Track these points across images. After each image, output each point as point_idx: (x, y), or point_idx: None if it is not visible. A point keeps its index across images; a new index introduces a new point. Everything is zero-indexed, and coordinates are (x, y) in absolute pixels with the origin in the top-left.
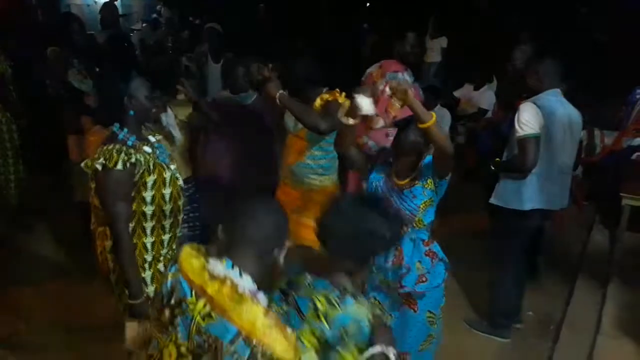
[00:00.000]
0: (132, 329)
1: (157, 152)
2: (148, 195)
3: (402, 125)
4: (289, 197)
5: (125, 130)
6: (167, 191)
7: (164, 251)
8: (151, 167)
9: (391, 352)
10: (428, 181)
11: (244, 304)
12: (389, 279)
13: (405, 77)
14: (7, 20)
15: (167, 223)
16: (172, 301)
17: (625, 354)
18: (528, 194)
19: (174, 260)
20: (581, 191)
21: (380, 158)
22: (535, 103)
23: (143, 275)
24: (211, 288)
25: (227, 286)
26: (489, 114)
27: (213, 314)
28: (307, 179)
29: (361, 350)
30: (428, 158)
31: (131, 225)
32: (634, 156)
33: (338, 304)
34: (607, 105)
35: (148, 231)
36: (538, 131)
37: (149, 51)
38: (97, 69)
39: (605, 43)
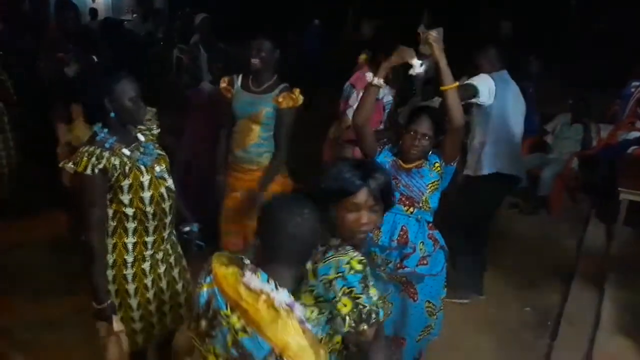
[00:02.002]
0: (103, 330)
1: (139, 154)
2: (125, 198)
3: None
4: (241, 182)
5: (106, 130)
6: (146, 194)
7: (147, 252)
8: (126, 170)
9: None
10: (435, 164)
11: (279, 320)
12: (392, 259)
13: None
14: None
15: (150, 225)
16: (209, 313)
17: (625, 349)
18: (486, 160)
19: (207, 270)
20: (577, 184)
21: (386, 142)
22: (485, 75)
23: (125, 272)
24: (246, 302)
25: (262, 301)
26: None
27: (248, 329)
28: (259, 159)
29: (352, 298)
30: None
31: (113, 224)
32: (630, 150)
33: (320, 259)
34: (603, 99)
35: (130, 232)
36: (491, 100)
37: (140, 42)
38: (88, 58)
39: (602, 36)
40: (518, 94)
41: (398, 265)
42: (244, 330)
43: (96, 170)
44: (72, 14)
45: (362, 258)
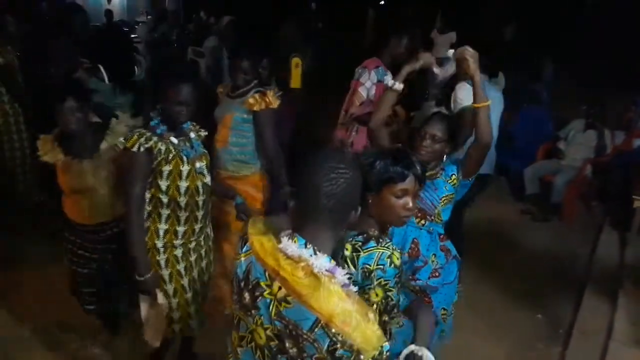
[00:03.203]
0: (144, 305)
1: (186, 146)
2: (163, 184)
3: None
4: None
5: (159, 119)
6: (182, 184)
7: (177, 241)
8: (169, 157)
9: (425, 352)
10: (452, 177)
11: (321, 288)
12: (404, 272)
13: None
14: (12, 10)
15: (182, 215)
16: (250, 284)
17: None
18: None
19: (244, 239)
20: (590, 192)
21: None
22: (467, 83)
23: (157, 258)
24: (284, 270)
25: (301, 267)
26: None
27: (289, 299)
28: (230, 166)
29: (385, 290)
30: (454, 155)
31: (149, 208)
32: None
33: (361, 248)
34: (617, 106)
35: (163, 218)
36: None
37: (154, 44)
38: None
39: (615, 43)
40: (494, 97)
41: (410, 277)
42: (286, 300)
43: (142, 149)
44: (82, 18)
45: (401, 254)
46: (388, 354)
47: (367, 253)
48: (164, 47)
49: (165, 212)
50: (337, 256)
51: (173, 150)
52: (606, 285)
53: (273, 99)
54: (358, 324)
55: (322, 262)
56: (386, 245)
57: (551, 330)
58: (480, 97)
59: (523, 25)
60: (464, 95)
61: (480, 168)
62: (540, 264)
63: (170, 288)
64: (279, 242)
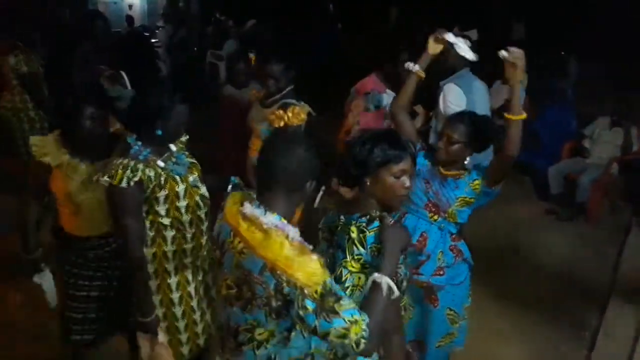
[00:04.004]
0: (146, 344)
1: (173, 164)
2: (162, 208)
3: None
4: None
5: (140, 143)
6: (182, 203)
7: (187, 260)
8: (162, 181)
9: (384, 280)
10: (474, 182)
11: (269, 239)
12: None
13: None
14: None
15: (188, 233)
16: (219, 242)
17: None
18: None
19: (222, 207)
20: (616, 191)
21: (421, 147)
22: (455, 83)
23: (168, 280)
24: (242, 227)
25: (254, 224)
26: None
27: (245, 251)
28: None
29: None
30: (483, 160)
31: (151, 234)
32: None
33: (366, 228)
34: None
35: (169, 240)
36: (463, 107)
37: (174, 48)
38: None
39: None
40: (481, 90)
41: (413, 271)
42: (243, 252)
43: (132, 183)
44: (102, 24)
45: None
46: (334, 287)
47: (372, 232)
48: (183, 51)
49: (169, 233)
50: (292, 216)
51: (163, 173)
52: (633, 287)
53: (293, 117)
54: (300, 265)
55: (271, 219)
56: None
57: (576, 333)
58: (516, 109)
59: (546, 22)
60: (454, 99)
61: (504, 177)
62: (565, 264)
63: (179, 310)
64: (242, 205)
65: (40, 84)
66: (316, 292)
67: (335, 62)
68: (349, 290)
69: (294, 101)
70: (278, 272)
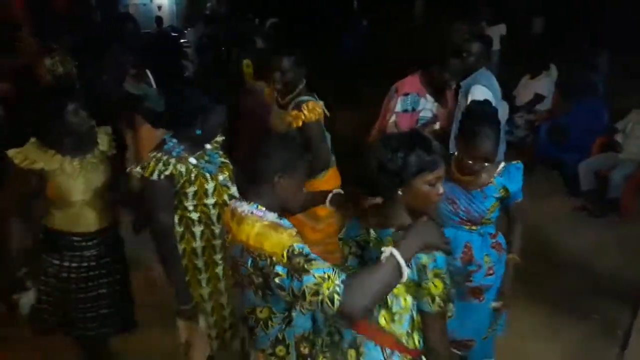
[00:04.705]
0: (184, 329)
1: (205, 162)
2: (190, 204)
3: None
4: None
5: (175, 140)
6: (210, 201)
7: (217, 256)
8: (192, 178)
9: (394, 254)
10: (503, 188)
11: (244, 223)
12: (457, 275)
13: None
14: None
15: (216, 229)
16: (222, 244)
17: None
18: None
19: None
20: None
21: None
22: (480, 84)
23: (199, 277)
24: (227, 218)
25: (233, 214)
26: (546, 103)
27: (232, 240)
28: None
29: (442, 279)
30: (513, 166)
31: (180, 229)
32: None
33: None
34: None
35: (197, 235)
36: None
37: (202, 48)
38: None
39: None
40: (498, 88)
41: (465, 281)
42: (232, 241)
43: (162, 176)
44: (132, 27)
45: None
46: (305, 250)
47: None
48: (212, 51)
49: (198, 229)
50: (272, 204)
51: (194, 170)
52: None
53: (309, 113)
54: (266, 237)
55: (246, 207)
56: None
57: (608, 331)
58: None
59: (577, 14)
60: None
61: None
62: (597, 262)
63: (208, 306)
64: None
65: (74, 84)
66: (283, 256)
67: (362, 59)
68: (397, 315)
69: (307, 97)
70: (251, 249)
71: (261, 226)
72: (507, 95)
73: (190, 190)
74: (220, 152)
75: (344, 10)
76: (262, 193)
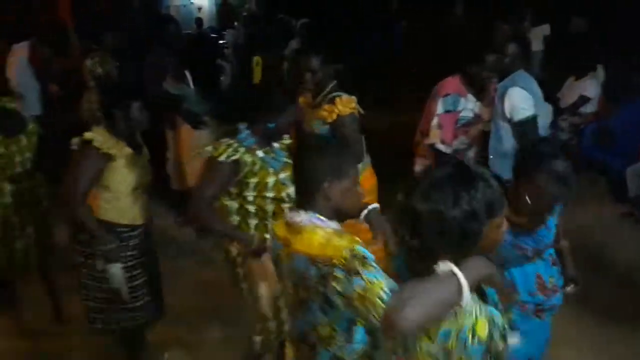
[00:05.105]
0: (257, 267)
1: (271, 157)
2: (249, 194)
3: None
4: None
5: (248, 132)
6: (269, 194)
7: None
8: (256, 169)
9: (459, 273)
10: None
11: (304, 233)
12: (536, 304)
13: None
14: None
15: (270, 223)
16: (275, 256)
17: None
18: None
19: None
20: None
21: None
22: (518, 86)
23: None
24: (284, 232)
25: (293, 226)
26: (592, 105)
27: (292, 254)
28: None
29: (504, 337)
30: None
31: (237, 218)
32: None
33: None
34: None
35: (252, 228)
36: (532, 110)
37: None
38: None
39: None
40: (538, 90)
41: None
42: (290, 257)
43: (229, 160)
44: (174, 28)
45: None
46: (367, 254)
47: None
48: (249, 52)
49: (253, 221)
50: (326, 211)
51: (259, 162)
52: None
53: (343, 106)
54: (328, 243)
55: (304, 216)
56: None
57: None
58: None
59: (625, 15)
60: (522, 102)
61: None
62: None
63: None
64: (285, 215)
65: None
66: (343, 257)
67: (400, 61)
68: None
69: (339, 93)
70: (314, 258)
71: (323, 233)
72: (552, 97)
73: (252, 181)
74: (286, 154)
75: (383, 11)
76: (316, 202)
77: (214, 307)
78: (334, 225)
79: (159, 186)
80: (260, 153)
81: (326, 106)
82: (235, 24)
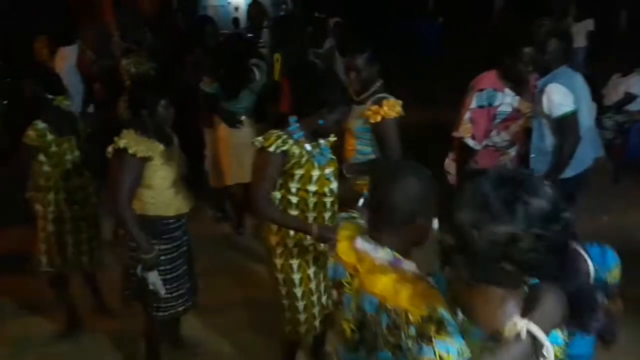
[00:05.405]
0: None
1: (317, 152)
2: (293, 186)
3: None
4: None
5: (298, 125)
6: (311, 187)
7: (307, 242)
8: (302, 162)
9: (539, 334)
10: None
11: (380, 275)
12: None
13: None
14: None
15: (310, 215)
16: (336, 282)
17: None
18: (576, 161)
19: (333, 243)
20: None
21: None
22: (558, 82)
23: (290, 261)
24: (357, 265)
25: (366, 261)
26: (638, 103)
27: (361, 290)
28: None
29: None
30: None
31: (280, 207)
32: None
33: None
34: None
35: None
36: (572, 106)
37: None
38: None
39: None
40: (584, 86)
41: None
42: (360, 292)
43: (278, 151)
44: (212, 29)
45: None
46: (445, 317)
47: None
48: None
49: (294, 212)
50: (407, 250)
51: (305, 155)
52: None
53: (389, 109)
54: (406, 293)
55: (382, 254)
56: None
57: None
58: None
59: None
60: (561, 98)
61: None
62: None
63: (299, 291)
64: (355, 240)
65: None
66: (421, 317)
67: (437, 57)
68: None
69: (386, 95)
70: (388, 305)
71: (401, 280)
72: (596, 94)
73: (298, 172)
74: (331, 151)
75: (420, 8)
76: (398, 234)
77: (249, 299)
78: (412, 267)
79: (197, 183)
80: (307, 146)
81: (372, 107)
82: (266, 23)
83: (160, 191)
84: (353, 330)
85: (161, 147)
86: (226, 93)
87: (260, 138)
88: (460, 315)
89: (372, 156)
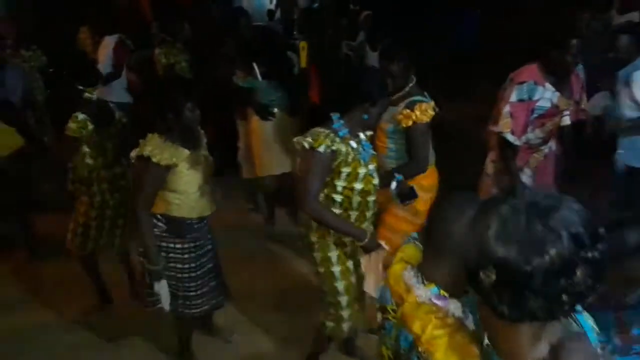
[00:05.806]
0: (366, 259)
1: (361, 149)
2: (339, 184)
3: None
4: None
5: (342, 122)
6: (357, 185)
7: (346, 239)
8: (349, 160)
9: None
10: None
11: (420, 313)
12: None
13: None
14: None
15: (352, 214)
16: (381, 305)
17: None
18: None
19: (387, 265)
20: None
21: None
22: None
23: (329, 254)
24: (404, 295)
25: (411, 295)
26: None
27: (402, 323)
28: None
29: None
30: None
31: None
32: None
33: None
34: None
35: None
36: None
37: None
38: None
39: None
40: None
41: None
42: (401, 324)
43: (328, 150)
44: (246, 21)
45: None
46: None
47: None
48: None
49: (336, 210)
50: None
51: (352, 152)
52: None
53: (421, 114)
54: (443, 343)
55: (426, 292)
56: None
57: None
58: None
59: None
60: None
61: None
62: None
63: (340, 285)
64: (406, 270)
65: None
66: None
67: (476, 50)
68: None
69: (419, 97)
70: (420, 349)
71: (440, 327)
72: None
73: (345, 170)
74: (370, 145)
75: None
76: (447, 272)
77: (282, 291)
78: (457, 309)
79: (231, 174)
80: (353, 143)
81: (404, 111)
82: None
83: (186, 195)
84: (390, 359)
85: (186, 152)
86: (263, 86)
87: (309, 138)
88: (486, 340)
89: (403, 155)
